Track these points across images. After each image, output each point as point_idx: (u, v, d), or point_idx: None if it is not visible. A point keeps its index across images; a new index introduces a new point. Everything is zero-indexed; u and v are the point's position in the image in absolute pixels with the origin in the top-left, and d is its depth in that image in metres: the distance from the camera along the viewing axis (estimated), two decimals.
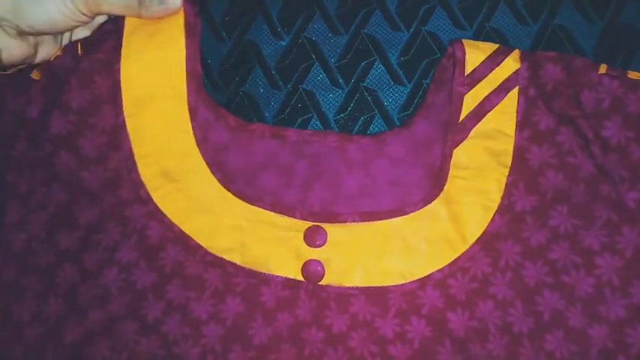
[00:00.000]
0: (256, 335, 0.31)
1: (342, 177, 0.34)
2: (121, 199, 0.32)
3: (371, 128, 0.37)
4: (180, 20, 0.32)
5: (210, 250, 0.32)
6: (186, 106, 0.32)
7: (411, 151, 0.34)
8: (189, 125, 0.32)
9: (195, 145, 0.32)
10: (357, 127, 0.37)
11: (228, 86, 0.37)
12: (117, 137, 0.32)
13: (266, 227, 0.32)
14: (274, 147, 0.34)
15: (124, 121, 0.32)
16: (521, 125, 0.32)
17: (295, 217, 0.32)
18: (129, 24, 0.32)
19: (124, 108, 0.32)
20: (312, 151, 0.34)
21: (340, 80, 0.37)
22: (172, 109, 0.32)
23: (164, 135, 0.32)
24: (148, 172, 0.32)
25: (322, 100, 0.37)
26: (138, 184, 0.32)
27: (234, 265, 0.32)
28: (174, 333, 0.30)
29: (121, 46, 0.32)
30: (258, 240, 0.32)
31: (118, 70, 0.32)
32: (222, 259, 0.32)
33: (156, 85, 0.32)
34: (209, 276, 0.32)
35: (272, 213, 0.32)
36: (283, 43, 0.38)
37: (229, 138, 0.34)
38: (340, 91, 0.37)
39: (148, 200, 0.32)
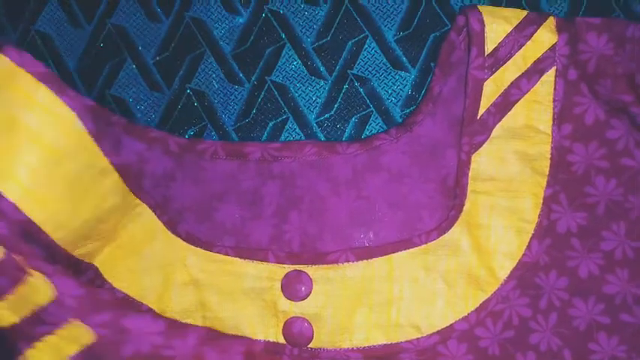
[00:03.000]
0: None
1: (327, 202, 0.35)
2: None
3: (367, 131, 0.38)
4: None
5: (163, 315, 0.33)
6: (100, 154, 0.31)
7: (415, 161, 0.35)
8: (111, 168, 0.31)
9: (127, 189, 0.32)
10: (348, 130, 0.38)
11: (169, 83, 0.38)
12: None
13: (229, 278, 0.33)
14: (232, 169, 0.35)
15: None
16: (560, 119, 0.33)
17: (268, 261, 0.33)
18: None
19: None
20: (283, 169, 0.35)
21: (321, 68, 0.38)
22: (81, 167, 0.31)
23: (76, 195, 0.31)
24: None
25: (299, 95, 0.38)
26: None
27: None
28: None
29: None
30: (222, 297, 0.33)
31: None
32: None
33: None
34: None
35: (236, 259, 0.33)
36: (241, 20, 0.38)
37: (173, 165, 0.35)
38: (322, 83, 0.38)
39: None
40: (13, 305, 0.29)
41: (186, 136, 0.37)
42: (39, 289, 0.28)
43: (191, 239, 0.33)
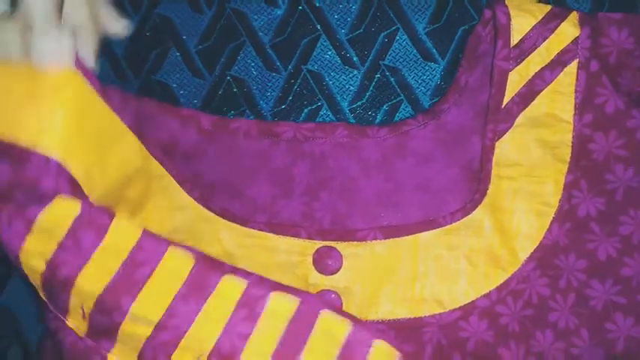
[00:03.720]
0: None
1: (357, 182, 0.36)
2: None
3: (397, 118, 0.40)
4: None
5: None
6: (112, 113, 0.31)
7: (441, 146, 0.37)
8: (126, 128, 0.32)
9: (146, 153, 0.34)
10: (379, 117, 0.40)
11: (211, 69, 0.40)
12: None
13: (263, 253, 0.35)
14: (265, 147, 0.37)
15: None
16: (581, 108, 0.35)
17: (300, 237, 0.35)
18: None
19: None
20: (314, 149, 0.37)
21: (354, 58, 0.40)
22: (100, 125, 0.31)
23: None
24: None
25: (333, 83, 0.40)
26: None
27: None
28: None
29: None
30: (256, 270, 0.35)
31: None
32: None
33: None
34: None
35: (269, 234, 0.35)
36: (279, 12, 0.40)
37: (205, 142, 0.37)
38: (355, 72, 0.40)
39: None
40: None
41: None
42: (127, 230, 0.28)
43: (226, 214, 0.35)
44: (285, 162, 0.36)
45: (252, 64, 0.40)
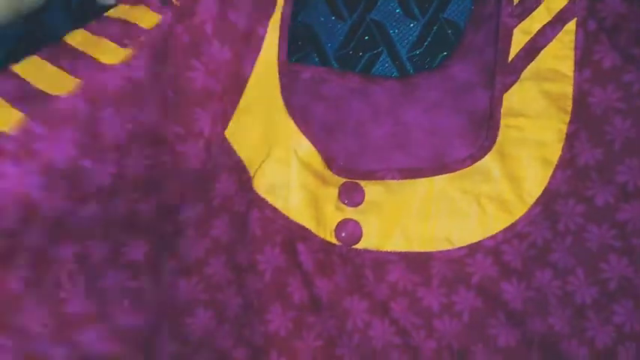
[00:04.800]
0: (296, 294, 0.38)
1: (368, 125, 0.40)
2: None
3: None
4: None
5: (254, 185, 0.37)
6: None
7: (448, 95, 0.40)
8: None
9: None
10: (435, 65, 0.44)
11: None
12: None
13: (307, 172, 0.38)
14: (285, 83, 0.38)
15: None
16: (580, 64, 0.37)
17: (331, 170, 0.39)
18: None
19: None
20: (329, 92, 0.40)
21: (415, 10, 0.44)
22: None
23: None
24: None
25: (394, 32, 0.44)
26: None
27: (274, 209, 0.38)
28: (219, 277, 0.36)
29: None
30: (300, 186, 0.38)
31: None
32: (263, 199, 0.38)
33: None
34: (252, 217, 0.38)
35: (318, 155, 0.38)
36: None
37: None
38: (415, 23, 0.44)
39: None
40: None
41: (292, 61, 0.43)
42: None
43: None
44: (303, 100, 0.40)
45: (320, 11, 0.44)
